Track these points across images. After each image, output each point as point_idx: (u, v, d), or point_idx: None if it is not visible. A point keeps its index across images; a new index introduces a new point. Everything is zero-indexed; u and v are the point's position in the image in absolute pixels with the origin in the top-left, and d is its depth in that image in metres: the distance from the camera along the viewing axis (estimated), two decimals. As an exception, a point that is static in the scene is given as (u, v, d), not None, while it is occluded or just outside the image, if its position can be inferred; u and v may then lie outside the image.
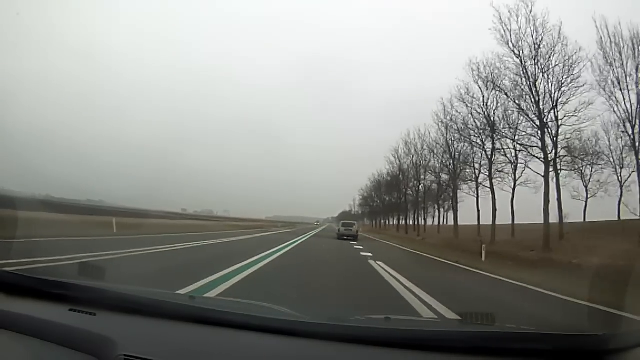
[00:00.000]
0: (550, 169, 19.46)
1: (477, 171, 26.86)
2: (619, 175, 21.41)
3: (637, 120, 16.82)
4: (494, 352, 1.35)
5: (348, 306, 5.22)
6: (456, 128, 26.60)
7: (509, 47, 19.82)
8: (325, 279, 7.99)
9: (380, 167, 65.42)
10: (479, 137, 24.64)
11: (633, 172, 18.76)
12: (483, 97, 23.08)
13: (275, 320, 1.58)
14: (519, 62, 19.90)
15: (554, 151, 19.61)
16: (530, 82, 19.77)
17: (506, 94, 21.29)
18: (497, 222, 23.94)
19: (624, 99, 17.23)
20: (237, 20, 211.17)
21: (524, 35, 19.45)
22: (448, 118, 27.47)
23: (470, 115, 24.43)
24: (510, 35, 19.69)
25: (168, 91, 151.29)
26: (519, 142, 21.72)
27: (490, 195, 24.28)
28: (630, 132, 17.26)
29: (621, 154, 20.52)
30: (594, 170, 22.04)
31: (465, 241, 22.30)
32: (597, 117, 19.06)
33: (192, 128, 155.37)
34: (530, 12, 19.12)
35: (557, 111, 19.28)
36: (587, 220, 23.60)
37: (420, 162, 38.56)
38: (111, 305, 1.67)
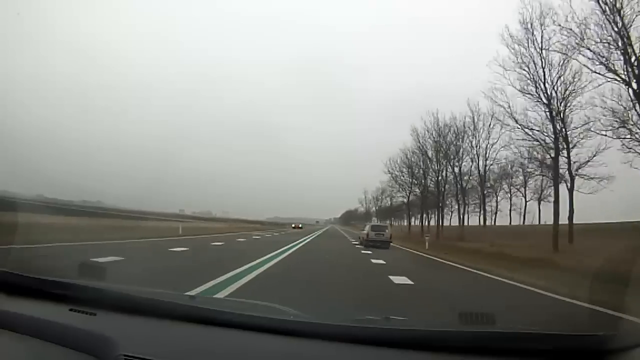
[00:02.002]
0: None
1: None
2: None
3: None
4: (494, 352, 1.35)
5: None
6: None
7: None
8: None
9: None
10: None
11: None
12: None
13: (275, 320, 1.58)
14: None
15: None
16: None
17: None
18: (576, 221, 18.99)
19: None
20: (237, 20, 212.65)
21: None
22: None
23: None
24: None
25: (167, 90, 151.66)
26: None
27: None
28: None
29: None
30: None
31: None
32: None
33: (191, 127, 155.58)
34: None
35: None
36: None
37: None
38: (111, 305, 1.68)
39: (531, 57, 20.14)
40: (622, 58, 16.36)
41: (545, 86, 19.96)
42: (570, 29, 17.72)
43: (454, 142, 32.65)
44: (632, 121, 16.64)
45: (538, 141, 21.20)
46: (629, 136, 16.91)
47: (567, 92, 19.46)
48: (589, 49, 17.20)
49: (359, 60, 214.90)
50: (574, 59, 18.57)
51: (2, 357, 1.50)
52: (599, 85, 17.45)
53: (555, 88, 19.77)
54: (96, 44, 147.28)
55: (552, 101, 19.87)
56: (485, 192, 34.34)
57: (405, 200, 46.06)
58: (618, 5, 15.95)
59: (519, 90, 20.84)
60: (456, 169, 33.49)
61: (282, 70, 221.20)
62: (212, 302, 2.68)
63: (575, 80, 18.92)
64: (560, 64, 19.32)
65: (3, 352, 1.53)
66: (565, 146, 20.03)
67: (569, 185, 20.12)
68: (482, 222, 35.88)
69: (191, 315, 1.61)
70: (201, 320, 1.58)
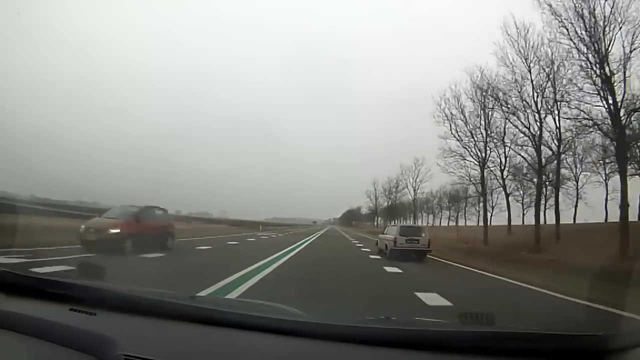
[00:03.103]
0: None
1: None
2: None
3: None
4: (494, 352, 1.35)
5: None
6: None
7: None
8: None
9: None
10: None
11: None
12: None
13: (275, 320, 1.58)
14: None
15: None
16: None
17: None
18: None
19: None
20: (237, 20, 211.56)
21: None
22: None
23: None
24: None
25: (165, 90, 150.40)
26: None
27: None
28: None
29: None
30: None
31: None
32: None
33: (190, 127, 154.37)
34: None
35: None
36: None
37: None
38: (111, 305, 1.67)
39: None
40: None
41: None
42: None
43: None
44: None
45: None
46: None
47: None
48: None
49: (359, 60, 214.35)
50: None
51: (2, 357, 1.50)
52: None
53: None
54: (94, 43, 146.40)
55: None
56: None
57: (476, 173, 24.30)
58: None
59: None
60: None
61: (282, 70, 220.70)
62: (213, 302, 2.68)
63: None
64: None
65: (3, 352, 1.52)
66: None
67: None
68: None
69: (191, 315, 1.61)
70: (202, 320, 1.58)
